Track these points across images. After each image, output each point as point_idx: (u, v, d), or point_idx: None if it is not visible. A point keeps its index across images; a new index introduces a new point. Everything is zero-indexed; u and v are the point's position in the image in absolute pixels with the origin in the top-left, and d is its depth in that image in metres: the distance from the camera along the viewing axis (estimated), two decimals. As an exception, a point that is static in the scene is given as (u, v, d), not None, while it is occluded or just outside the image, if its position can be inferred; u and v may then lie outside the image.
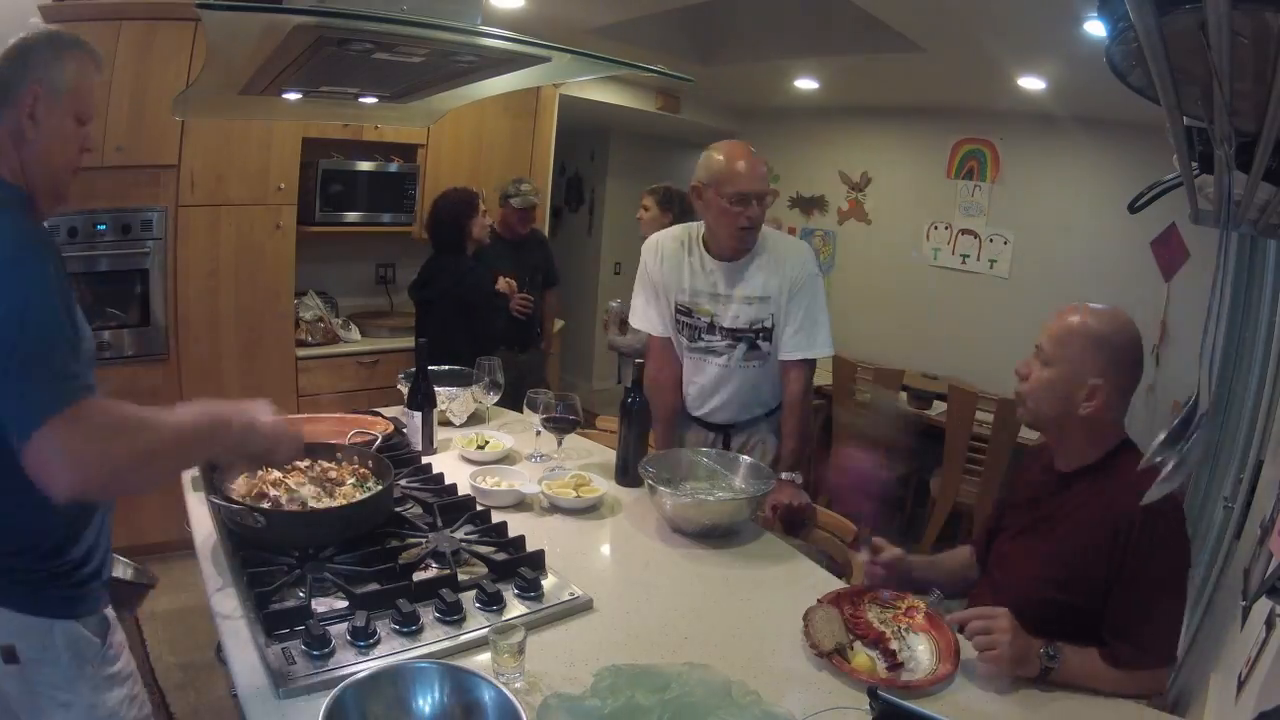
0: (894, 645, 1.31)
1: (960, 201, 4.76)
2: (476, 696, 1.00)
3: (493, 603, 1.33)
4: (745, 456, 1.95)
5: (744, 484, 1.86)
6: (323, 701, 0.95)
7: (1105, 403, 1.32)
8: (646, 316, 2.24)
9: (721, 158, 2.00)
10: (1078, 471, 1.39)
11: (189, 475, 1.85)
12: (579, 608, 1.38)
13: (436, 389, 2.14)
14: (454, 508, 1.67)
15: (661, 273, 2.17)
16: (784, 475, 1.98)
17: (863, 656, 1.28)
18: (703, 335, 2.15)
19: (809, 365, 2.10)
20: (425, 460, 1.97)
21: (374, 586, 1.34)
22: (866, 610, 1.41)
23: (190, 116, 2.95)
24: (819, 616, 1.33)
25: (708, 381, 2.19)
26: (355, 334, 3.75)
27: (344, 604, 1.30)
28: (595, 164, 6.70)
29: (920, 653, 1.32)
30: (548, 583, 1.41)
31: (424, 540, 1.52)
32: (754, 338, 2.10)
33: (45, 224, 1.23)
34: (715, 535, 1.71)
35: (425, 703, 1.02)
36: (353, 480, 1.62)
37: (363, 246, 4.09)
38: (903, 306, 5.01)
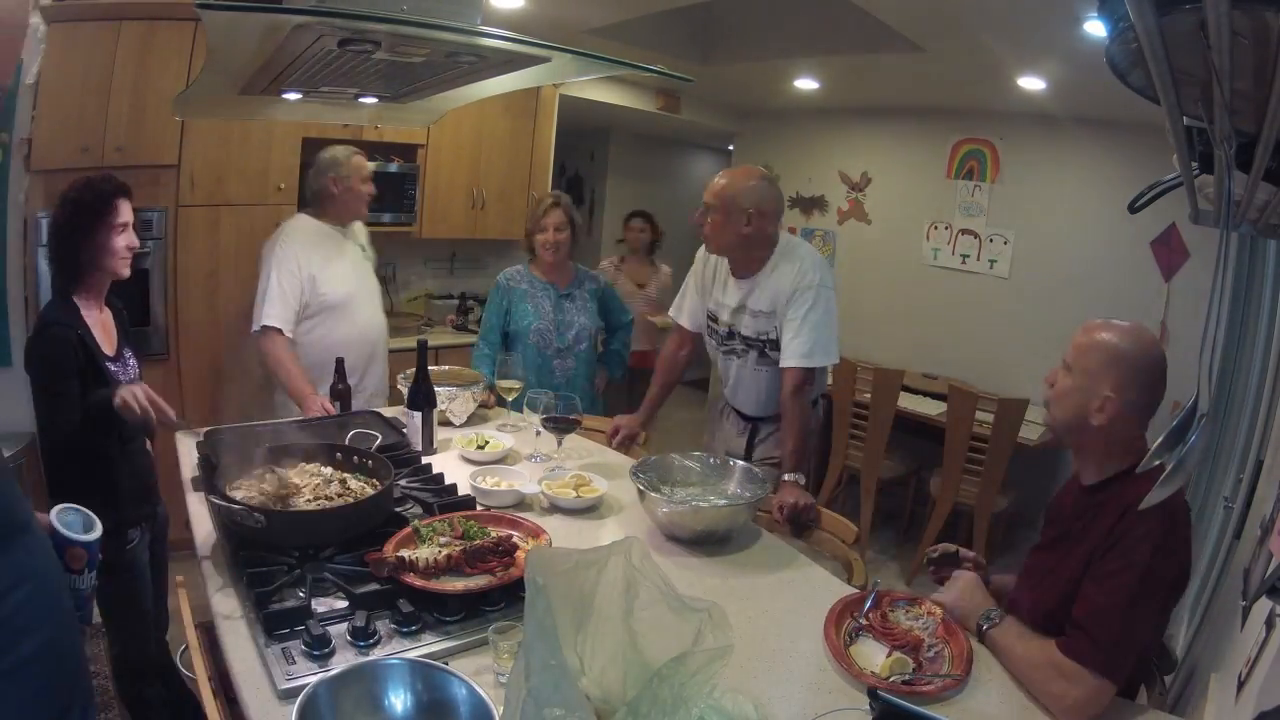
0: (927, 652, 1.31)
1: (960, 201, 4.76)
2: (449, 693, 1.01)
3: (492, 602, 1.33)
4: (739, 461, 1.95)
5: (738, 489, 1.85)
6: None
7: (1116, 416, 1.32)
8: (679, 307, 2.50)
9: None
10: (1099, 485, 1.39)
11: (189, 475, 1.85)
12: (579, 608, 1.38)
13: (436, 389, 2.14)
14: (454, 508, 1.67)
15: (704, 277, 2.39)
16: (786, 476, 2.01)
17: (888, 660, 1.28)
18: (724, 340, 2.36)
19: (801, 371, 2.14)
20: (425, 460, 1.97)
21: (374, 586, 1.34)
22: (893, 615, 1.42)
23: (190, 116, 2.94)
24: (863, 650, 1.33)
25: (732, 378, 2.39)
26: (355, 334, 3.74)
27: (344, 604, 1.30)
28: (595, 164, 6.71)
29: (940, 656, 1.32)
30: (548, 583, 1.41)
31: (424, 540, 1.51)
32: (762, 347, 2.27)
33: None
34: (710, 542, 1.70)
35: (398, 700, 1.02)
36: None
37: (363, 246, 4.08)
38: (903, 306, 5.02)
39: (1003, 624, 1.35)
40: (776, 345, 2.22)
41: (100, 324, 1.82)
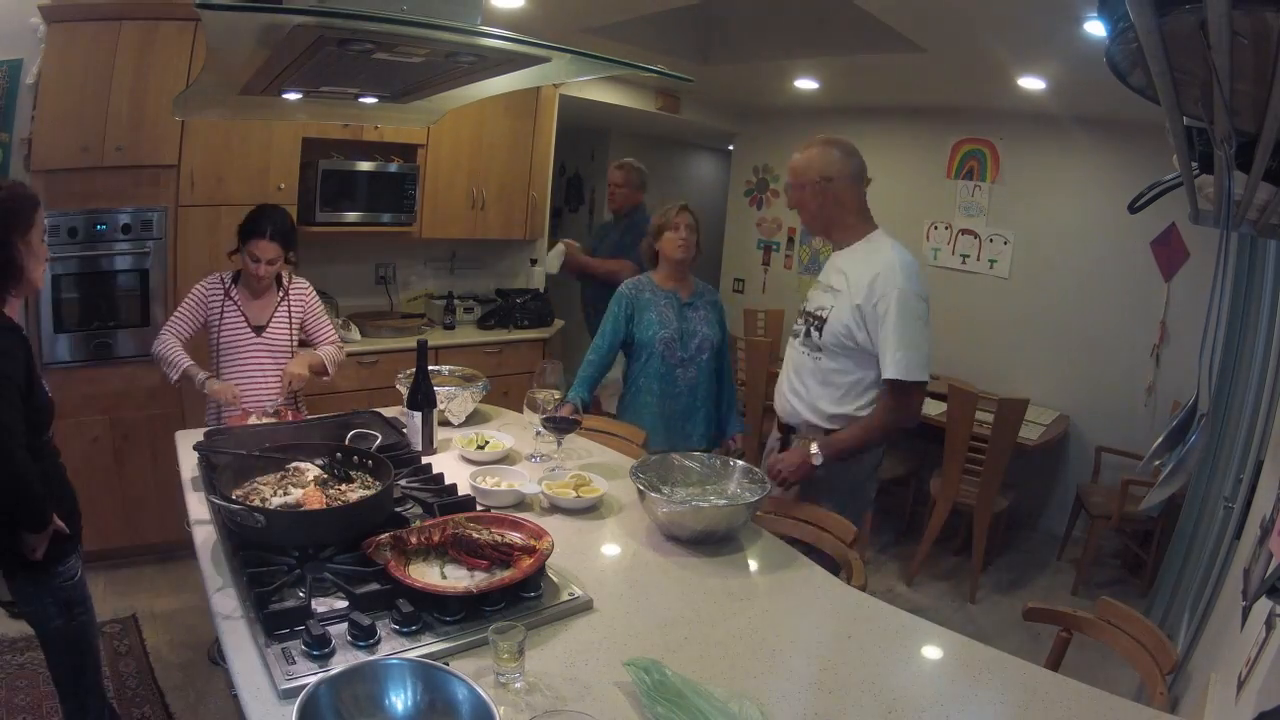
0: None
1: (960, 201, 4.76)
2: (450, 693, 1.01)
3: (493, 603, 1.33)
4: (738, 461, 1.93)
5: (738, 489, 1.85)
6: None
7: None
8: None
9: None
10: None
11: (189, 475, 1.85)
12: (579, 608, 1.38)
13: (436, 389, 2.14)
14: (454, 508, 1.67)
15: None
16: (813, 447, 1.99)
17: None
18: (794, 322, 2.22)
19: (892, 387, 1.95)
20: (425, 460, 1.97)
21: (374, 586, 1.34)
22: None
23: (190, 116, 2.94)
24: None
25: (782, 366, 2.27)
26: (355, 334, 3.75)
27: (344, 604, 1.30)
28: (595, 164, 6.71)
29: None
30: (547, 583, 1.41)
31: (424, 540, 1.51)
32: (812, 324, 2.09)
33: None
34: (711, 541, 1.70)
35: (399, 700, 1.02)
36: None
37: (363, 246, 4.09)
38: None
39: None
40: (822, 326, 2.05)
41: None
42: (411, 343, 2.26)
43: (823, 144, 2.10)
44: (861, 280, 1.98)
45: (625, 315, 2.61)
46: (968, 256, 4.76)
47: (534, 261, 4.71)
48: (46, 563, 1.68)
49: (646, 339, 2.57)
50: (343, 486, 1.63)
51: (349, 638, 1.20)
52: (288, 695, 1.07)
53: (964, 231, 4.76)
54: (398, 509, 1.63)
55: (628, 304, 2.61)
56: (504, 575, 1.35)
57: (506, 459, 2.11)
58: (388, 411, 2.33)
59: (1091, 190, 4.21)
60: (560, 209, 6.77)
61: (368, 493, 1.58)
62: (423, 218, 3.93)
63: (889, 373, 1.94)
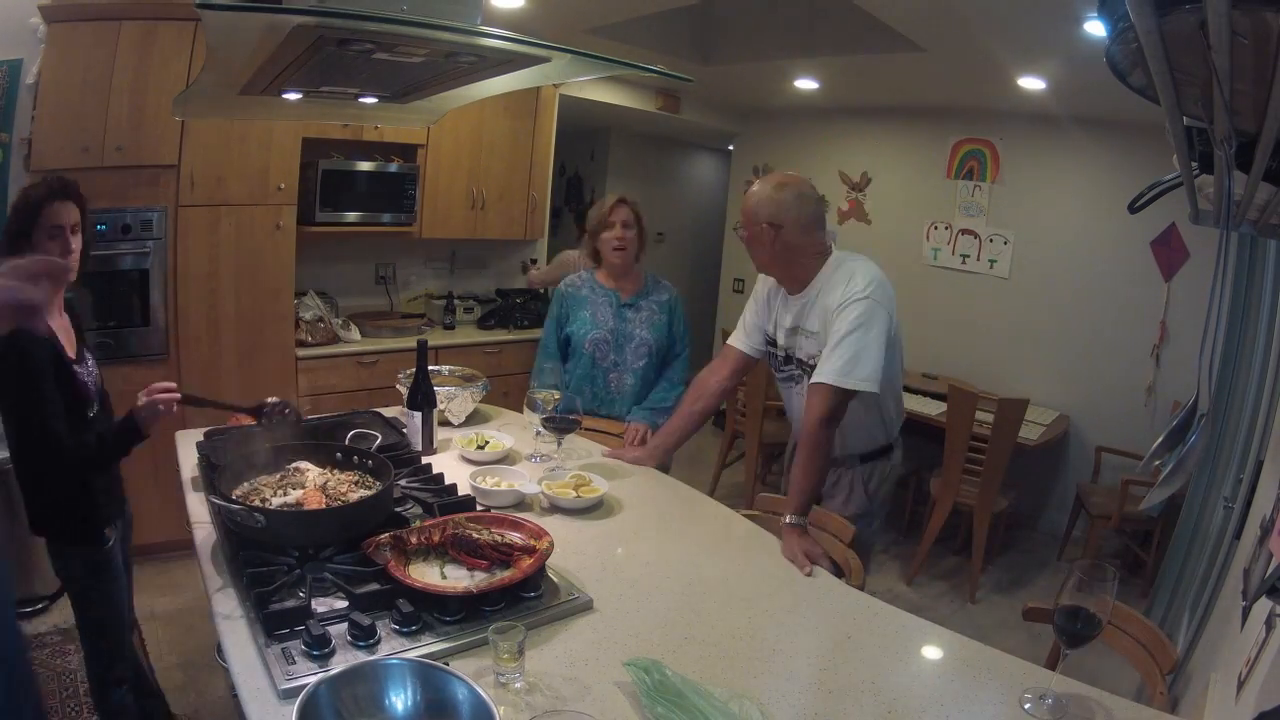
0: None
1: (960, 201, 4.76)
2: (450, 693, 1.01)
3: (493, 603, 1.33)
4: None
5: None
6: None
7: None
8: (738, 329, 2.24)
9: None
10: None
11: (189, 475, 1.85)
12: (579, 608, 1.38)
13: (436, 389, 2.14)
14: (454, 508, 1.67)
15: (762, 294, 2.17)
16: (787, 519, 1.77)
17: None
18: (782, 365, 2.13)
19: (833, 393, 1.84)
20: (425, 460, 1.97)
21: (374, 586, 1.34)
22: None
23: (190, 116, 2.95)
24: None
25: (793, 407, 2.16)
26: (355, 334, 3.75)
27: (344, 604, 1.30)
28: (595, 164, 6.71)
29: None
30: (547, 583, 1.41)
31: (424, 540, 1.51)
32: (805, 370, 2.03)
33: None
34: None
35: (399, 700, 1.02)
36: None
37: (363, 246, 4.09)
38: (903, 306, 4.98)
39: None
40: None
41: (61, 328, 1.76)
42: (411, 343, 2.26)
43: (776, 185, 1.97)
44: (834, 299, 1.92)
45: (559, 314, 2.53)
46: (968, 256, 4.76)
47: (534, 261, 4.71)
48: (81, 528, 1.75)
49: (578, 338, 2.48)
50: (343, 487, 1.62)
51: (349, 638, 1.20)
52: (288, 695, 1.07)
53: (964, 231, 4.76)
54: (398, 509, 1.63)
55: (560, 301, 2.54)
56: (504, 575, 1.36)
57: (506, 459, 2.11)
58: (388, 411, 2.33)
59: (1091, 190, 4.21)
60: (560, 209, 6.77)
61: (368, 493, 1.59)
62: (423, 218, 3.93)
63: (824, 374, 1.85)
